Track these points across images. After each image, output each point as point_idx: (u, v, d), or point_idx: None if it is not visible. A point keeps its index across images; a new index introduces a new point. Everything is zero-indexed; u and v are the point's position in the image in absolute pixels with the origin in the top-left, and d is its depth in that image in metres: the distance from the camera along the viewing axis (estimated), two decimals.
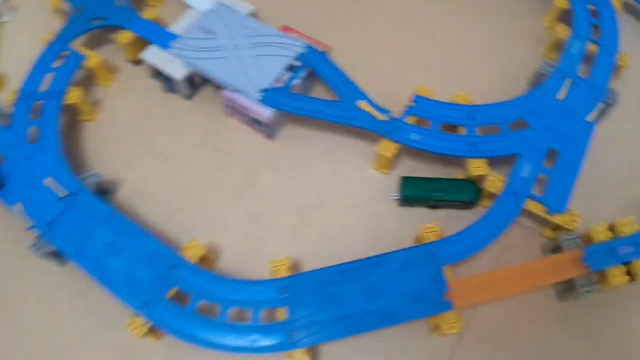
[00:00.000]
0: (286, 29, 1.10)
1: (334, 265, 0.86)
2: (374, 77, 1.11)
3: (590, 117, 0.99)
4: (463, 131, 0.97)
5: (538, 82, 1.07)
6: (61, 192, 0.93)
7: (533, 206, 0.91)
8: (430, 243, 0.88)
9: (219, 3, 1.11)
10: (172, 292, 0.85)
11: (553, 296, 0.93)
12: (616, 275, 0.86)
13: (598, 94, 1.02)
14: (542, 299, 0.93)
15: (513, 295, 0.88)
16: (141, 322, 0.83)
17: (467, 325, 0.90)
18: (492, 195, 0.94)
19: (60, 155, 0.96)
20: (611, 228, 0.91)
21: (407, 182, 0.95)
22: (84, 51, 1.09)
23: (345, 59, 1.13)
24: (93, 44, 1.17)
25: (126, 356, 0.88)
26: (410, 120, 0.98)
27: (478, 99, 1.03)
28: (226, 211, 0.99)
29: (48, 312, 0.91)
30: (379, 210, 0.99)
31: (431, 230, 0.89)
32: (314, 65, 1.02)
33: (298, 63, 1.03)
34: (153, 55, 1.06)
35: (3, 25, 1.25)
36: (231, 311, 0.84)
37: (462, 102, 1.00)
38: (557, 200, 0.91)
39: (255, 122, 1.02)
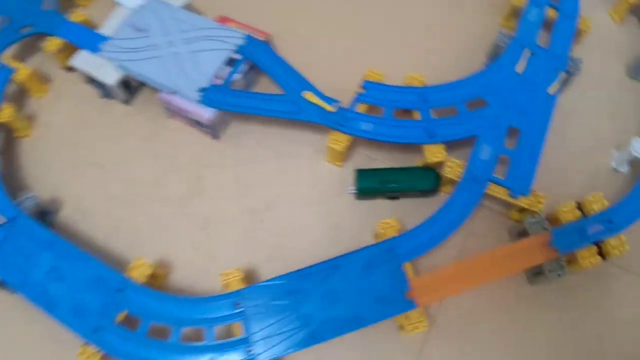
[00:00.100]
0: (224, 19, 1.00)
1: (288, 273, 0.79)
2: (321, 63, 1.03)
3: (551, 89, 0.91)
4: (418, 116, 0.89)
5: (497, 55, 0.98)
6: None
7: (495, 190, 0.84)
8: (389, 240, 0.81)
9: None
10: (121, 316, 0.79)
11: (524, 280, 0.88)
12: (586, 256, 0.80)
13: (559, 64, 0.93)
14: (513, 284, 0.87)
15: (479, 286, 0.81)
16: (92, 351, 0.77)
17: (436, 316, 0.84)
18: (452, 181, 0.87)
19: None
20: (579, 206, 0.86)
21: (362, 175, 0.88)
22: (13, 64, 0.99)
23: (290, 47, 1.05)
24: (25, 54, 1.07)
25: None
26: (360, 108, 0.90)
27: (434, 79, 0.95)
28: (174, 221, 0.91)
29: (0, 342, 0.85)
30: (335, 206, 0.92)
31: (390, 226, 0.82)
32: (254, 57, 0.93)
33: (238, 56, 0.94)
34: (83, 61, 0.96)
35: None
36: (185, 331, 0.77)
37: (416, 84, 0.92)
38: (520, 182, 0.84)
39: (197, 123, 0.94)
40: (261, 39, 0.96)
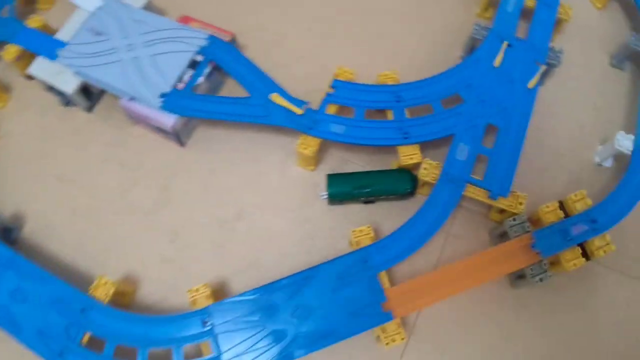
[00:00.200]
0: (186, 19, 0.93)
1: (258, 287, 0.74)
2: (290, 62, 0.97)
3: (531, 83, 0.85)
4: (391, 116, 0.83)
5: (473, 48, 0.92)
6: None
7: (474, 192, 0.78)
8: (363, 249, 0.76)
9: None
10: (86, 337, 0.73)
11: (506, 284, 0.83)
12: (570, 259, 0.75)
13: (539, 55, 0.87)
14: (495, 288, 0.82)
15: (458, 294, 0.75)
16: None
17: (415, 324, 0.79)
18: (429, 183, 0.81)
19: None
20: (562, 205, 0.81)
21: (334, 181, 0.82)
22: None
23: (256, 46, 0.99)
24: None
25: None
26: (330, 109, 0.84)
27: (409, 76, 0.89)
28: (141, 234, 0.85)
29: None
30: (309, 213, 0.86)
31: (364, 234, 0.77)
32: (218, 58, 0.86)
33: (201, 58, 0.87)
34: (41, 68, 0.90)
35: None
36: (153, 352, 0.72)
37: (389, 82, 0.86)
38: (499, 183, 0.78)
39: (161, 130, 0.88)
40: (225, 38, 0.89)
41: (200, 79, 0.86)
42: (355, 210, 0.86)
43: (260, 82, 0.84)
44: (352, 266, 0.74)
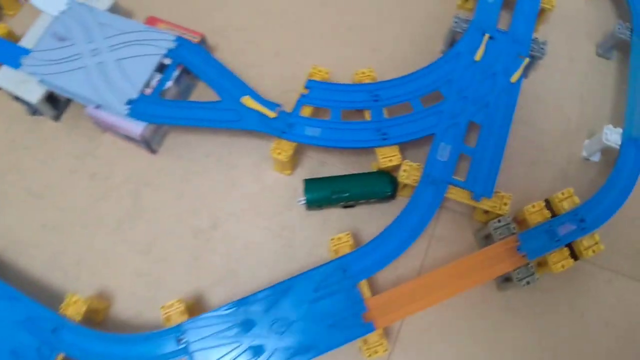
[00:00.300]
0: (153, 20, 0.87)
1: (234, 301, 0.70)
2: (262, 63, 0.91)
3: (514, 77, 0.80)
4: (369, 116, 0.78)
5: (454, 42, 0.87)
6: None
7: (456, 194, 0.74)
8: (342, 258, 0.71)
9: (72, 1, 0.88)
10: (60, 358, 0.69)
11: (493, 286, 0.79)
12: (557, 260, 0.71)
13: (522, 48, 0.82)
14: (481, 291, 0.78)
15: (442, 301, 0.71)
16: None
17: (398, 332, 0.75)
18: (410, 185, 0.77)
19: None
20: (548, 204, 0.76)
21: (311, 186, 0.77)
22: None
23: (228, 46, 0.93)
24: None
25: None
26: (305, 111, 0.78)
27: (388, 72, 0.83)
28: (114, 247, 0.80)
29: None
30: (286, 220, 0.81)
31: (342, 242, 0.72)
32: (187, 60, 0.81)
33: (169, 61, 0.82)
34: (5, 78, 0.84)
35: None
36: None
37: (366, 81, 0.80)
38: (482, 184, 0.73)
39: (131, 138, 0.83)
40: (194, 40, 0.84)
41: (169, 84, 0.80)
42: (334, 215, 0.81)
43: (231, 85, 0.79)
44: (330, 276, 0.70)
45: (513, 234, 0.72)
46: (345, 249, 0.71)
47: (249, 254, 0.79)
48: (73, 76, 0.81)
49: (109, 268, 0.79)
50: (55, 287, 0.78)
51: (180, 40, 0.82)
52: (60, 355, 0.69)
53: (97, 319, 0.76)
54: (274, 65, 0.91)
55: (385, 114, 0.77)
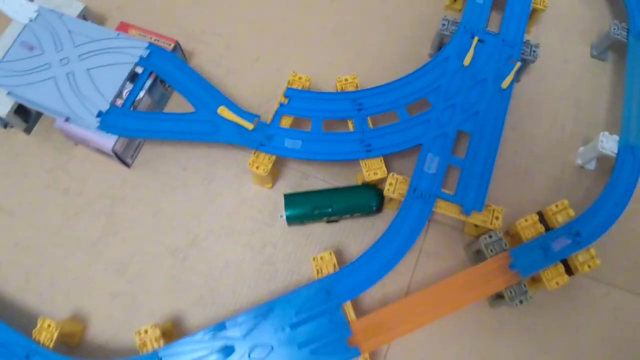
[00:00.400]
0: (124, 26, 0.81)
1: (211, 327, 0.64)
2: (240, 70, 0.85)
3: (505, 82, 0.74)
4: (352, 126, 0.72)
5: (442, 45, 0.81)
6: None
7: (445, 208, 0.68)
8: (325, 279, 0.66)
9: (42, 8, 0.81)
10: None
11: (485, 303, 0.73)
12: (552, 277, 0.66)
13: (513, 51, 0.76)
14: (473, 308, 0.72)
15: (431, 322, 0.65)
16: None
17: (386, 355, 0.69)
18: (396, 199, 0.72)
19: None
20: (542, 217, 0.71)
21: (292, 202, 0.71)
22: None
23: (205, 52, 0.86)
24: None
25: None
26: (285, 122, 0.73)
27: (374, 78, 0.78)
28: (88, 266, 0.75)
29: None
30: (268, 236, 0.75)
31: (325, 262, 0.66)
32: (159, 69, 0.75)
33: (141, 69, 0.76)
34: None
35: None
36: None
37: (349, 88, 0.75)
38: (473, 197, 0.68)
39: (102, 152, 0.77)
40: (168, 47, 0.78)
41: (141, 94, 0.75)
42: (318, 229, 0.75)
43: (206, 95, 0.73)
44: (313, 298, 0.65)
45: (505, 250, 0.67)
46: (329, 269, 0.66)
47: (229, 273, 0.74)
48: (41, 87, 0.75)
49: (83, 289, 0.74)
50: (29, 308, 0.73)
51: (152, 47, 0.76)
52: None
53: (73, 342, 0.71)
54: (255, 71, 0.85)
55: (370, 124, 0.72)
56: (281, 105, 0.72)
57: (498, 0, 0.82)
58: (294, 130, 0.71)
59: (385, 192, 0.69)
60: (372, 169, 0.69)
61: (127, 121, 0.72)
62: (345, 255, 0.74)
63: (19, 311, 0.73)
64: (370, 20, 0.91)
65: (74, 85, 0.75)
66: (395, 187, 0.68)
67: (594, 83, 0.85)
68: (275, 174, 0.76)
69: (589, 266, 0.67)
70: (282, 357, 0.63)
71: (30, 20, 0.81)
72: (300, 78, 0.74)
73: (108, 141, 0.73)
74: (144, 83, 0.75)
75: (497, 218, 0.68)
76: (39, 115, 0.83)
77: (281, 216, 0.73)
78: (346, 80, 0.75)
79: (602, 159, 0.77)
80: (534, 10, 0.82)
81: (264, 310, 0.65)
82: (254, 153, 0.71)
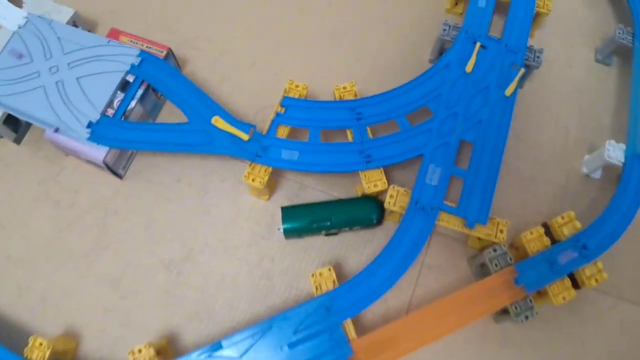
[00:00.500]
0: (115, 33, 0.77)
1: (206, 347, 0.61)
2: (238, 75, 0.81)
3: (509, 89, 0.70)
4: (351, 136, 0.69)
5: (443, 51, 0.78)
6: None
7: (448, 221, 0.65)
8: (325, 295, 0.62)
9: (31, 15, 0.78)
10: None
11: (489, 317, 0.70)
12: (558, 292, 0.62)
13: (516, 57, 0.73)
14: (478, 324, 0.68)
15: (435, 341, 0.62)
16: None
17: None
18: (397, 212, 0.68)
19: None
20: (547, 229, 0.67)
21: (289, 214, 0.67)
22: None
23: (199, 59, 0.83)
24: None
25: None
26: (282, 132, 0.69)
27: (373, 85, 0.75)
28: (80, 281, 0.71)
29: None
30: (265, 249, 0.72)
31: (324, 277, 0.63)
32: (151, 77, 0.71)
33: (132, 78, 0.72)
34: None
35: None
36: None
37: (347, 97, 0.71)
38: (476, 209, 0.64)
39: (94, 163, 0.73)
40: (160, 54, 0.74)
41: (133, 103, 0.71)
42: (316, 243, 0.72)
43: (200, 104, 0.69)
44: (312, 316, 0.61)
45: (510, 264, 0.63)
46: (328, 285, 0.63)
47: (225, 287, 0.70)
48: (30, 97, 0.71)
49: (76, 304, 0.70)
50: (21, 324, 0.69)
51: (144, 54, 0.72)
52: None
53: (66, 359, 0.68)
54: (251, 77, 0.82)
55: (369, 133, 0.68)
56: (277, 114, 0.69)
57: (500, 3, 0.79)
58: (290, 141, 0.68)
59: (386, 205, 0.65)
60: (372, 181, 0.66)
61: (118, 132, 0.69)
62: (345, 269, 0.71)
63: (9, 328, 0.69)
64: (370, 22, 0.87)
65: (64, 95, 0.71)
66: (396, 199, 0.65)
67: (599, 89, 0.82)
68: (272, 186, 0.73)
69: (596, 280, 0.64)
70: None
71: (19, 27, 0.78)
72: (297, 86, 0.70)
73: (99, 152, 0.69)
74: (136, 92, 0.71)
75: (501, 231, 0.64)
76: (28, 125, 0.79)
77: (279, 229, 0.69)
78: (344, 88, 0.71)
79: (608, 167, 0.73)
80: (538, 14, 0.78)
81: (261, 329, 0.61)
82: (250, 165, 0.67)
